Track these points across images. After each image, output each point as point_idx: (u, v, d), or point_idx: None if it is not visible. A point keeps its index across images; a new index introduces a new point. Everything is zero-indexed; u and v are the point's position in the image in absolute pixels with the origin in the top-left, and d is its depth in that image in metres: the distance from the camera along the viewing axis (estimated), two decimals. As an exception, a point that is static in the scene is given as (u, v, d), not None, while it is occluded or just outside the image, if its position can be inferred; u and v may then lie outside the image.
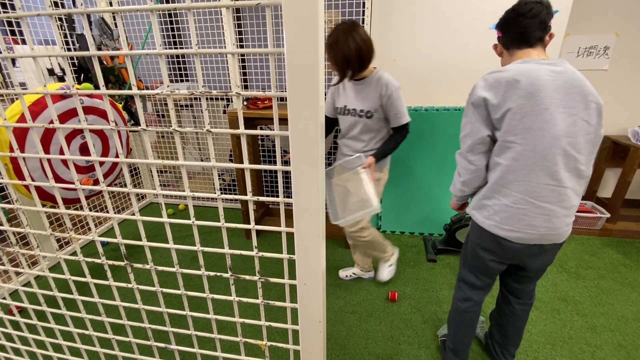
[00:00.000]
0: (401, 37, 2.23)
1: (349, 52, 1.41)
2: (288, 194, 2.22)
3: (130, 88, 2.22)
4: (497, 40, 1.14)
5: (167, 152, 2.94)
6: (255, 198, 0.44)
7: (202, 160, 3.09)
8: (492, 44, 1.18)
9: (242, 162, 2.31)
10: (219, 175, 3.10)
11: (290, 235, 0.46)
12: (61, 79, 2.44)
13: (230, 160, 2.89)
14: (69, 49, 2.44)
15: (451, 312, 1.35)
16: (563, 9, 2.00)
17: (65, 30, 2.33)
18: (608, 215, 2.49)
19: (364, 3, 2.14)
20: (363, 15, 2.16)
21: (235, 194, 2.98)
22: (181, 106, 2.87)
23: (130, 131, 2.35)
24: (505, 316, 1.33)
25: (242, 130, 0.42)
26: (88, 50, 2.09)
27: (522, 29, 1.03)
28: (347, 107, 1.61)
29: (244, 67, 2.55)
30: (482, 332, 1.54)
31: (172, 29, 2.72)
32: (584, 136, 0.96)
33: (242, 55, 2.40)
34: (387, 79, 1.52)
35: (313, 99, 0.36)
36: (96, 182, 1.73)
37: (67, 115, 1.56)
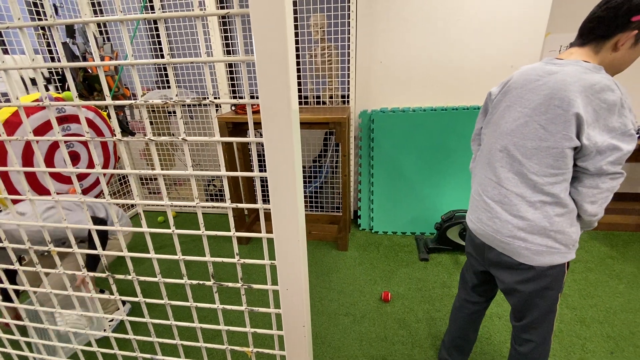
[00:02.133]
0: (387, 39, 2.26)
1: None
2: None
3: (114, 96, 2.20)
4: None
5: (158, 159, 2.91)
6: (234, 205, 0.44)
7: (192, 167, 3.07)
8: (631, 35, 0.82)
9: (231, 169, 2.30)
10: (209, 182, 3.08)
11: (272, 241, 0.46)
12: (44, 88, 2.40)
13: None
14: (52, 58, 2.40)
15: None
16: (543, 9, 2.04)
17: (47, 38, 2.30)
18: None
19: (349, 6, 2.16)
20: (348, 18, 2.18)
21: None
22: (169, 113, 2.85)
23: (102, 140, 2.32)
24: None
25: (217, 137, 0.42)
26: (71, 58, 2.07)
27: (580, 29, 0.90)
28: None
29: (231, 72, 2.55)
30: None
31: (159, 42, 2.70)
32: (535, 141, 0.87)
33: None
34: None
35: (285, 104, 0.37)
36: (84, 192, 1.70)
37: (49, 125, 1.54)
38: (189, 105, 2.73)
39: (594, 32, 0.84)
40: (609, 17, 0.81)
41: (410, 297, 1.87)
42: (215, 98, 2.71)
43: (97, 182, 1.82)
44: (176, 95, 0.40)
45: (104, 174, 1.89)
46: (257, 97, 0.38)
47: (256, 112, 2.22)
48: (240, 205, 0.43)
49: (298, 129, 0.40)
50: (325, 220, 2.69)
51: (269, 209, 0.43)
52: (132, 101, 0.41)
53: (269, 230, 2.39)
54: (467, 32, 2.16)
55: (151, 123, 2.81)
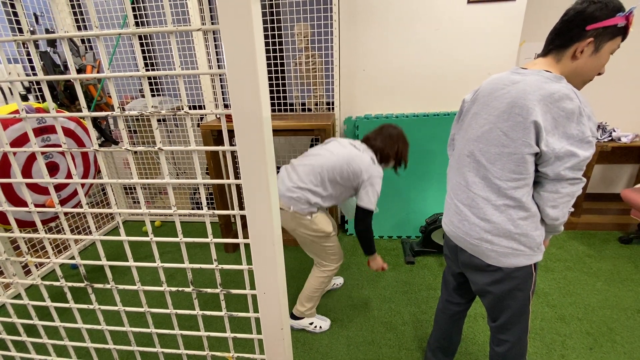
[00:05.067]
0: (369, 47, 2.31)
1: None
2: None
3: (96, 105, 2.17)
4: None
5: (142, 168, 2.87)
6: (211, 212, 0.45)
7: (177, 175, 3.04)
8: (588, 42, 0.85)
9: (216, 176, 2.29)
10: (196, 189, 3.06)
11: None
12: (24, 97, 2.36)
13: (207, 174, 2.86)
14: (32, 67, 2.37)
15: None
16: (517, 18, 2.13)
17: (27, 48, 2.26)
18: (572, 209, 2.63)
19: (331, 16, 2.20)
20: (331, 27, 2.22)
21: (214, 208, 2.94)
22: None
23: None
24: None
25: (193, 147, 0.43)
26: (52, 67, 2.04)
27: (550, 34, 0.94)
28: None
29: (220, 81, 2.56)
30: None
31: (143, 51, 2.69)
32: (498, 147, 0.90)
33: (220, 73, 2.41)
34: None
35: (257, 114, 0.38)
36: (62, 202, 1.67)
37: (28, 136, 1.51)
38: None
39: (553, 43, 0.89)
40: (565, 28, 0.86)
41: (396, 300, 1.89)
42: (197, 107, 2.71)
43: (75, 192, 1.79)
44: (152, 106, 0.41)
45: (82, 185, 1.86)
46: (230, 108, 0.40)
47: (242, 119, 2.24)
48: (217, 212, 0.44)
49: (271, 136, 0.42)
50: (312, 226, 2.69)
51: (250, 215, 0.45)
52: (109, 113, 0.42)
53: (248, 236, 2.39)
54: (446, 41, 2.23)
55: (135, 132, 2.78)
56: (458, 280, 1.21)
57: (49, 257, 2.33)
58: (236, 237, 2.58)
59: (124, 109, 2.71)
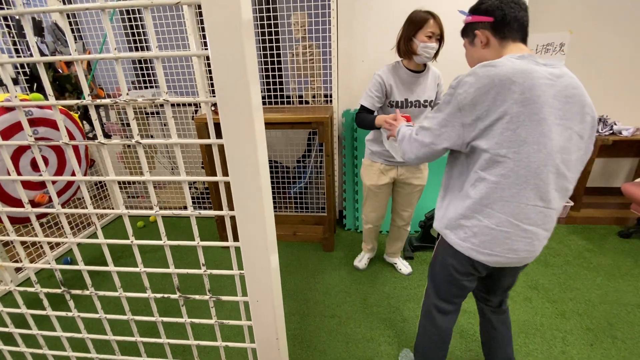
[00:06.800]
0: (367, 38, 2.25)
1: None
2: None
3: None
4: (477, 27, 0.94)
5: (134, 162, 2.81)
6: (197, 213, 0.41)
7: (172, 169, 2.98)
8: (463, 31, 1.01)
9: (210, 170, 2.24)
10: (190, 185, 3.00)
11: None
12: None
13: (202, 168, 2.80)
14: (19, 57, 2.28)
15: (422, 342, 1.23)
16: (520, 8, 2.07)
17: (13, 37, 2.18)
18: (572, 203, 2.61)
19: (329, 5, 2.13)
20: (329, 16, 2.15)
21: (209, 203, 2.89)
22: (147, 114, 2.76)
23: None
24: (487, 332, 1.25)
25: (175, 140, 0.38)
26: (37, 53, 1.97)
27: (520, 19, 0.89)
28: (409, 99, 1.63)
29: (210, 72, 2.49)
30: None
31: (133, 34, 2.61)
32: (576, 152, 0.86)
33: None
34: (438, 71, 1.68)
35: (245, 102, 0.34)
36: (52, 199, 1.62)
37: (15, 128, 1.45)
38: (162, 106, 2.65)
39: (527, 32, 0.93)
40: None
41: (396, 296, 1.87)
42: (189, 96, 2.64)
43: (66, 187, 1.73)
44: (127, 94, 0.36)
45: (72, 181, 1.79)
46: (216, 95, 0.35)
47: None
48: (203, 213, 0.40)
49: (262, 127, 0.37)
50: (310, 221, 2.66)
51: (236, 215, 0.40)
52: (89, 101, 0.37)
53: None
54: (446, 31, 2.17)
55: (128, 125, 2.71)
56: (468, 292, 1.12)
57: (39, 256, 2.27)
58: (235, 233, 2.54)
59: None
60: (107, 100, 0.37)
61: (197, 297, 0.45)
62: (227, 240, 2.47)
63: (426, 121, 0.95)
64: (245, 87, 0.33)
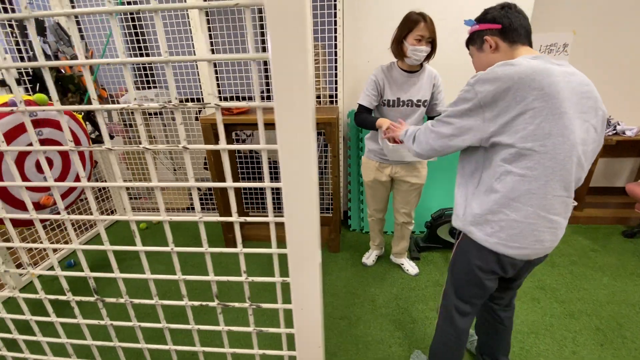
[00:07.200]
0: (373, 38, 2.24)
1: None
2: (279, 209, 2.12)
3: (89, 98, 2.08)
4: (486, 34, 0.99)
5: (137, 163, 2.78)
6: (204, 218, 0.40)
7: (174, 170, 2.96)
8: (469, 39, 1.06)
9: (217, 173, 2.22)
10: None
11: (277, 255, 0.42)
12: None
13: (205, 169, 2.78)
14: (21, 58, 2.25)
15: (439, 344, 1.23)
16: (526, 9, 2.08)
17: (16, 37, 2.15)
18: (575, 203, 2.62)
19: (335, 5, 2.12)
20: (335, 17, 2.15)
21: (213, 205, 2.87)
22: (150, 114, 2.73)
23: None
24: (492, 327, 1.28)
25: (184, 145, 0.37)
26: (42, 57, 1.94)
27: (525, 26, 0.95)
28: (402, 98, 1.66)
29: (215, 72, 2.47)
30: (472, 346, 1.51)
31: (137, 34, 2.58)
32: (591, 144, 0.92)
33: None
34: (435, 71, 1.70)
35: (304, 108, 0.33)
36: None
37: (19, 130, 1.43)
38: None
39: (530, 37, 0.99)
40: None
41: (404, 298, 1.86)
42: (195, 100, 2.62)
43: (71, 189, 1.71)
44: (134, 99, 0.35)
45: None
46: (245, 99, 0.34)
47: (242, 112, 2.15)
48: (206, 219, 0.39)
49: (315, 134, 0.36)
50: (315, 222, 2.65)
51: (273, 220, 0.39)
52: (99, 107, 0.36)
53: (280, 241, 2.33)
54: (451, 33, 2.17)
55: (131, 125, 2.68)
56: (496, 283, 1.11)
57: (42, 259, 2.24)
58: (242, 234, 2.52)
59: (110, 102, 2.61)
60: (118, 106, 0.36)
61: (236, 304, 0.44)
62: (232, 241, 2.44)
63: (444, 116, 0.97)
64: (306, 91, 0.32)
